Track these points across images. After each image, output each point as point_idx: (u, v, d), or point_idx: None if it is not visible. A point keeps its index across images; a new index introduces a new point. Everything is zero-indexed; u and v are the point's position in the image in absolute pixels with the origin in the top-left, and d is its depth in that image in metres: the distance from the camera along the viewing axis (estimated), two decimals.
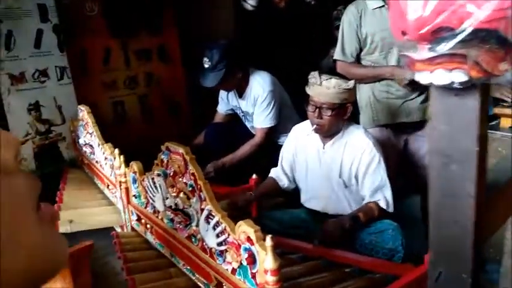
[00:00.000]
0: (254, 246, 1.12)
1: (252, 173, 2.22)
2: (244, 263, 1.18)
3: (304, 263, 1.72)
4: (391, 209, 1.80)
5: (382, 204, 1.80)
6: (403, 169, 2.25)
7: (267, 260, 1.06)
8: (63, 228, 1.96)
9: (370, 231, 1.79)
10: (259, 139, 2.49)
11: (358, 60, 2.12)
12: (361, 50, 2.09)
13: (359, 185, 1.86)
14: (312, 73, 1.82)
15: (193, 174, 1.37)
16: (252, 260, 1.15)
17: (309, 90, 1.83)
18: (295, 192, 2.14)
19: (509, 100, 1.97)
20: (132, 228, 1.95)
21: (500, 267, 1.92)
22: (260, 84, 2.43)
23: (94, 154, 2.43)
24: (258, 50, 2.91)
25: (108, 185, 2.27)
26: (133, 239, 1.84)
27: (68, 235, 2.01)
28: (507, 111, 1.94)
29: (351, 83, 1.78)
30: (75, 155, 2.82)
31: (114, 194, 2.17)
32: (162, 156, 1.54)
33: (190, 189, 1.40)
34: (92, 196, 2.36)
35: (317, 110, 1.80)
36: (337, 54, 2.13)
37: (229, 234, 1.23)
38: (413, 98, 2.07)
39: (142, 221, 1.82)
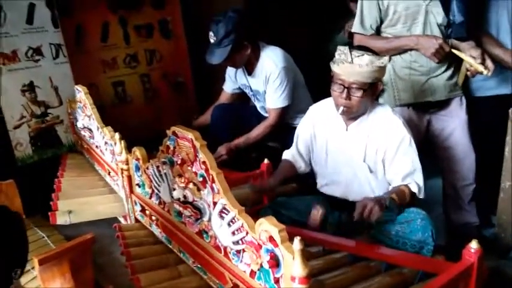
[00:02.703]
0: (278, 249, 0.97)
1: (262, 157, 2.07)
2: (266, 266, 1.02)
3: (324, 257, 1.57)
4: (422, 195, 1.65)
5: (414, 189, 1.63)
6: (425, 151, 2.09)
7: (295, 266, 0.90)
8: (62, 219, 1.83)
9: (395, 221, 1.63)
10: (273, 120, 2.32)
11: (378, 33, 1.97)
12: (381, 22, 1.94)
13: (386, 169, 1.69)
14: (341, 48, 1.62)
15: (204, 162, 1.20)
16: (275, 263, 0.99)
17: (337, 67, 1.63)
18: (309, 177, 1.98)
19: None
20: (136, 220, 1.81)
21: None
22: (272, 60, 2.24)
23: (93, 138, 2.29)
24: (268, 27, 2.71)
25: (109, 172, 2.12)
26: (138, 232, 1.71)
27: (68, 226, 1.89)
28: None
29: (385, 60, 1.60)
30: (73, 139, 2.69)
31: (115, 182, 2.02)
32: (168, 142, 1.38)
33: (201, 179, 1.24)
34: (93, 184, 2.23)
35: (345, 90, 1.61)
36: (355, 26, 1.99)
37: (247, 233, 1.07)
38: (439, 75, 1.92)
39: (147, 212, 1.67)
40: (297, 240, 0.89)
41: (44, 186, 2.11)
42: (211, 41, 2.19)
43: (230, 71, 2.48)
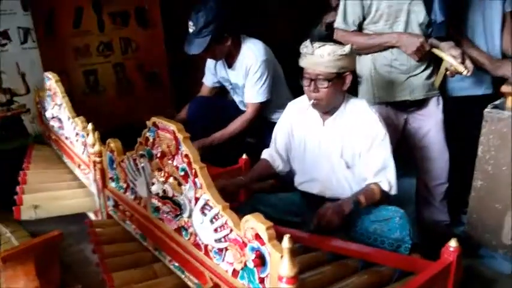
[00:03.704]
0: (265, 247, 0.93)
1: (240, 152, 2.04)
2: (250, 265, 0.99)
3: (302, 255, 1.55)
4: (393, 192, 1.66)
5: (385, 186, 1.65)
6: (402, 150, 2.12)
7: (282, 265, 0.87)
8: (27, 214, 1.73)
9: (373, 219, 1.64)
10: (251, 115, 2.28)
11: (359, 30, 1.98)
12: (364, 19, 1.95)
13: (360, 164, 1.70)
14: (304, 42, 1.64)
15: (186, 156, 1.15)
16: (261, 262, 0.96)
17: (302, 61, 1.65)
18: (287, 174, 1.96)
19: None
20: (109, 216, 1.74)
21: (496, 252, 1.88)
22: (253, 52, 2.20)
23: (63, 129, 2.19)
24: (247, 19, 2.66)
25: (79, 165, 2.03)
26: (110, 228, 1.63)
27: (33, 221, 1.79)
28: None
29: (347, 48, 1.59)
30: (41, 130, 2.58)
31: (86, 175, 1.93)
32: (148, 134, 1.32)
33: (182, 173, 1.19)
34: (61, 177, 2.13)
35: (312, 82, 1.63)
36: (338, 22, 1.99)
37: (231, 230, 1.03)
38: (418, 74, 1.95)
39: (121, 207, 1.60)
40: (286, 238, 0.86)
41: (8, 178, 2.00)
42: (190, 30, 2.12)
43: (210, 63, 2.42)
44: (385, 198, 1.65)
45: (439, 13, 1.83)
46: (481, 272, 1.83)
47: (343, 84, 1.65)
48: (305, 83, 1.65)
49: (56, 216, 1.82)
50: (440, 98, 2.02)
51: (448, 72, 1.85)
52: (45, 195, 1.86)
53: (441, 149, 2.04)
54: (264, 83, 2.21)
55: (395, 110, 2.02)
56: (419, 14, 1.87)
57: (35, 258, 1.38)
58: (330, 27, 2.63)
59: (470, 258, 1.85)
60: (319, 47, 1.57)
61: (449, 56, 1.80)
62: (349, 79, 1.65)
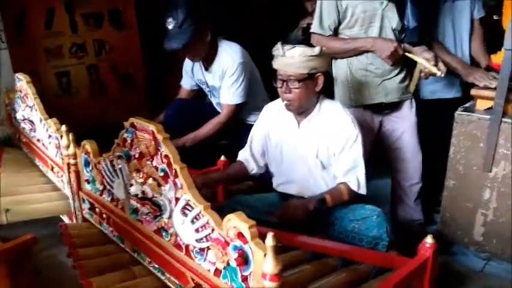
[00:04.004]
0: (248, 245, 0.93)
1: (215, 154, 2.02)
2: (233, 263, 0.98)
3: (283, 254, 1.55)
4: (362, 191, 1.69)
5: (353, 186, 1.68)
6: (377, 151, 2.17)
7: (266, 263, 0.87)
8: None
9: (351, 218, 1.67)
10: (225, 117, 2.27)
11: (335, 34, 1.99)
12: (339, 23, 1.97)
13: (333, 164, 1.72)
14: (276, 45, 1.66)
15: (166, 156, 1.14)
16: (243, 260, 0.96)
17: (274, 63, 1.68)
18: (266, 174, 1.97)
19: (481, 85, 1.91)
20: (84, 219, 1.69)
21: (467, 249, 1.94)
22: (230, 55, 2.20)
23: (35, 131, 2.12)
24: (223, 20, 2.66)
25: (52, 167, 1.97)
26: (86, 231, 1.59)
27: (5, 226, 1.72)
28: (484, 92, 1.88)
29: (317, 49, 1.63)
30: (11, 132, 2.50)
31: (60, 178, 1.88)
32: (125, 135, 1.29)
33: (162, 174, 1.17)
34: (33, 180, 2.07)
35: (284, 83, 1.66)
36: (314, 27, 2.00)
37: (213, 230, 1.02)
38: (392, 77, 1.99)
39: (97, 210, 1.56)
40: (269, 236, 0.86)
41: None
42: (170, 27, 2.09)
43: (187, 66, 2.40)
44: (355, 197, 1.69)
45: (411, 19, 1.88)
46: (454, 268, 1.88)
47: (315, 85, 1.67)
48: (278, 84, 1.68)
49: (28, 220, 1.75)
50: (414, 101, 2.06)
51: (422, 75, 1.90)
52: (16, 199, 1.80)
53: (415, 151, 2.09)
54: (240, 85, 2.21)
55: (371, 113, 2.06)
56: (392, 20, 1.91)
57: (6, 263, 1.33)
58: (307, 31, 2.66)
59: (443, 255, 1.90)
60: (290, 49, 1.60)
61: (422, 59, 1.85)
62: (321, 80, 1.67)
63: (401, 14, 1.90)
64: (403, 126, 2.07)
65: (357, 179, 1.67)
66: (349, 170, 1.68)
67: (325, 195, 1.63)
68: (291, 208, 1.59)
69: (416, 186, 2.12)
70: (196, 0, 2.12)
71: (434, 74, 1.84)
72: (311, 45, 1.65)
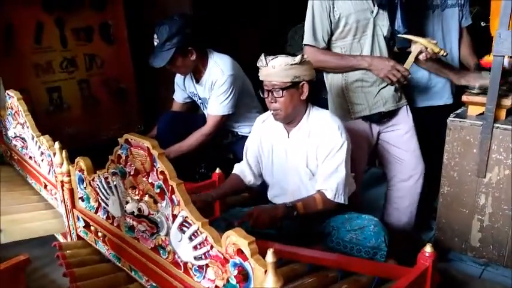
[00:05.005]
0: (248, 262, 0.92)
1: (210, 165, 2.02)
2: (233, 281, 0.97)
3: (281, 268, 1.54)
4: (339, 200, 1.67)
5: (329, 194, 1.66)
6: (376, 160, 2.16)
7: (267, 280, 0.86)
8: None
9: (348, 228, 1.66)
10: (210, 128, 2.24)
11: (328, 46, 1.96)
12: (331, 34, 1.94)
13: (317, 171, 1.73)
14: (260, 57, 1.67)
15: (162, 172, 1.13)
16: (243, 278, 0.94)
17: (260, 75, 1.70)
18: (262, 186, 1.96)
19: (477, 85, 1.92)
20: (79, 237, 1.66)
21: (465, 255, 1.94)
22: (220, 67, 2.19)
23: (27, 149, 2.09)
24: (217, 31, 2.66)
25: (45, 185, 1.94)
26: (81, 250, 1.56)
27: None
28: (475, 98, 1.90)
29: (298, 58, 1.63)
30: (2, 150, 2.46)
31: (53, 196, 1.85)
32: (120, 151, 1.28)
33: (158, 191, 1.16)
34: (25, 198, 2.03)
35: (270, 93, 1.67)
36: (307, 38, 1.94)
37: (212, 247, 1.01)
38: (387, 85, 1.96)
39: (92, 228, 1.54)
40: (270, 252, 0.85)
41: None
42: (155, 43, 2.11)
43: (178, 79, 2.40)
44: (334, 206, 1.68)
45: (401, 24, 1.89)
46: (452, 275, 1.88)
47: (300, 94, 1.67)
48: (264, 94, 1.70)
49: (21, 240, 1.72)
50: (408, 108, 2.05)
51: (421, 56, 1.87)
52: (9, 219, 1.77)
53: (412, 150, 2.06)
54: (227, 97, 2.20)
55: (369, 123, 2.03)
56: (383, 28, 1.91)
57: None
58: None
59: (441, 262, 1.90)
60: (272, 59, 1.63)
61: (424, 39, 1.84)
62: (306, 88, 1.67)
63: (392, 20, 1.90)
64: (401, 130, 2.05)
65: (336, 187, 1.65)
66: (327, 178, 1.67)
67: (297, 202, 1.63)
68: (258, 213, 1.57)
69: (413, 186, 2.09)
70: (182, 21, 2.11)
71: (438, 52, 1.83)
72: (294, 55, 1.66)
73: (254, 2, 2.90)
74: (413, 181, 2.09)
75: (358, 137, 1.98)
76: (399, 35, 1.90)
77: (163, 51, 2.09)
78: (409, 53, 1.91)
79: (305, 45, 1.96)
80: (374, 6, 1.89)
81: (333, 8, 1.88)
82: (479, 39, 2.20)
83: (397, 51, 2.00)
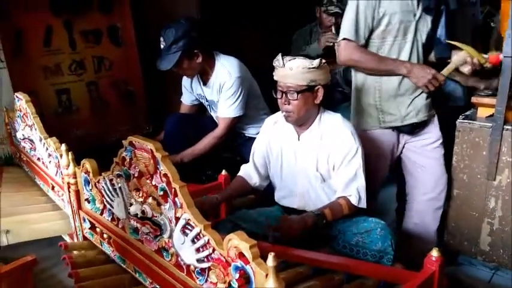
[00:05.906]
0: (249, 265, 0.91)
1: (217, 166, 2.01)
2: (234, 284, 0.96)
3: (287, 270, 1.53)
4: (362, 205, 1.66)
5: (353, 200, 1.65)
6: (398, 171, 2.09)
7: (268, 284, 0.85)
8: None
9: (355, 231, 1.64)
10: (222, 131, 2.26)
11: (366, 44, 1.81)
12: (371, 31, 1.78)
13: (334, 177, 1.70)
14: (276, 57, 1.65)
15: (165, 175, 1.13)
16: (245, 281, 0.93)
17: (275, 75, 1.68)
18: (268, 188, 1.95)
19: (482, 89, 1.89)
20: (85, 238, 1.67)
21: (475, 259, 1.91)
22: (227, 70, 2.20)
23: (35, 150, 2.12)
24: (223, 33, 2.66)
25: (53, 187, 1.96)
26: (87, 252, 1.57)
27: (6, 246, 1.71)
28: (485, 100, 1.87)
29: (316, 62, 1.60)
30: (11, 152, 2.49)
31: (61, 197, 1.87)
32: (124, 154, 1.28)
33: (161, 193, 1.16)
34: (33, 199, 2.05)
35: (284, 95, 1.65)
36: (347, 32, 1.77)
37: (214, 250, 1.01)
38: (420, 94, 1.83)
39: (98, 229, 1.55)
40: (271, 256, 0.85)
41: None
42: (162, 46, 2.13)
43: (185, 82, 2.41)
44: (355, 211, 1.66)
45: (445, 33, 1.78)
46: (461, 279, 1.85)
47: (315, 98, 1.66)
48: (278, 95, 1.68)
49: (28, 241, 1.74)
50: (436, 117, 1.93)
51: (466, 68, 1.76)
52: (16, 219, 1.79)
53: (438, 166, 1.94)
54: (236, 99, 2.21)
55: (398, 133, 1.92)
56: (423, 34, 1.80)
57: (7, 285, 1.31)
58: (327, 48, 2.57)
59: (450, 266, 1.88)
60: (290, 60, 1.60)
61: (472, 48, 1.73)
62: (321, 93, 1.66)
63: (435, 28, 1.79)
64: (429, 140, 1.93)
65: (357, 193, 1.65)
66: (348, 183, 1.65)
67: (324, 209, 1.60)
68: (288, 223, 1.55)
69: (435, 201, 1.95)
70: (188, 24, 2.12)
71: (484, 63, 1.71)
72: (312, 58, 1.64)
73: (257, 3, 2.89)
74: (437, 192, 1.96)
75: (383, 146, 1.91)
76: (446, 41, 1.77)
77: (169, 54, 2.10)
78: (443, 64, 1.79)
79: (344, 39, 1.79)
80: (418, 9, 1.76)
81: (379, 4, 1.74)
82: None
83: (434, 60, 1.86)
